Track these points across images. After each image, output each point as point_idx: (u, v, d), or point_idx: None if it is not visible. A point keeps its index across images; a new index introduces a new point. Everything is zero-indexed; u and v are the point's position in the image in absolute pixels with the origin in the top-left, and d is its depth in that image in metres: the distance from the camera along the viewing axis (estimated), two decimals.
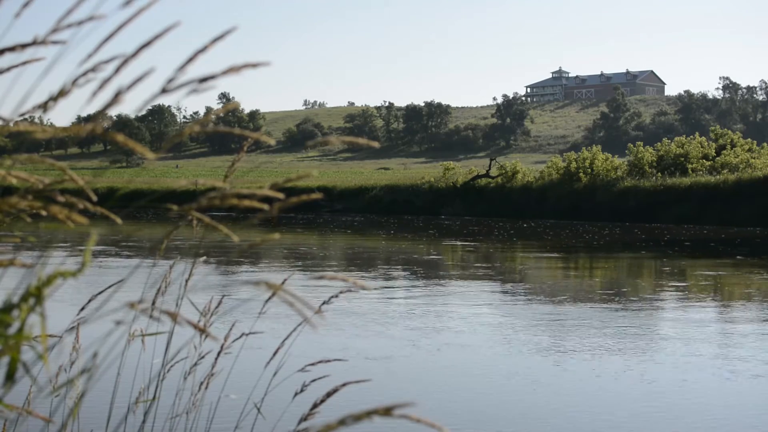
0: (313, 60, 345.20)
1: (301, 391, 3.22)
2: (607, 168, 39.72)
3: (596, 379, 7.98)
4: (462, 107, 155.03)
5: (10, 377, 1.11)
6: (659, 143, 41.87)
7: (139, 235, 28.27)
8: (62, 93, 1.21)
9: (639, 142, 42.26)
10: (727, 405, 7.17)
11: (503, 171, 42.67)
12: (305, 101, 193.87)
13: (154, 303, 3.11)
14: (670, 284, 15.73)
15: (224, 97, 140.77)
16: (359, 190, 45.70)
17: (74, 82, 1.20)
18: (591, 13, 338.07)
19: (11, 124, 1.28)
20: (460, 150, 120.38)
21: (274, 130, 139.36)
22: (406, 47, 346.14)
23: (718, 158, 39.13)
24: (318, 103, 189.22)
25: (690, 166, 38.75)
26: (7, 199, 1.20)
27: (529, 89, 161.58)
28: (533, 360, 8.80)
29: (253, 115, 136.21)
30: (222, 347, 3.33)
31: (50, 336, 2.69)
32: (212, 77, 1.17)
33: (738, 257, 21.06)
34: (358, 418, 1.08)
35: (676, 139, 41.83)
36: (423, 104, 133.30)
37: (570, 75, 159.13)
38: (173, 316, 1.24)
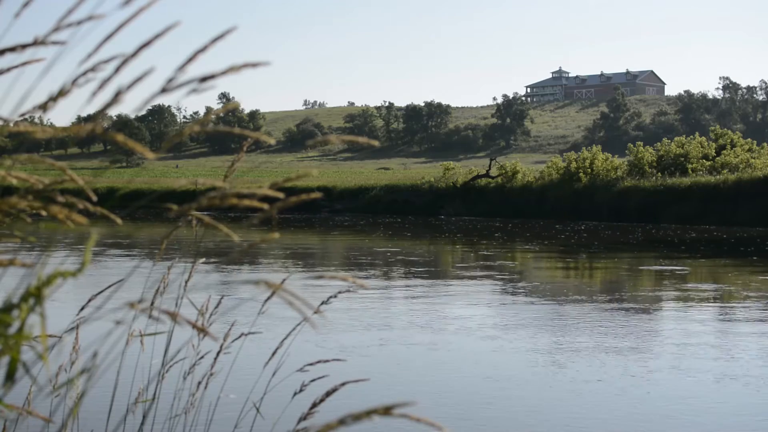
0: (313, 60, 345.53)
1: (300, 390, 3.22)
2: (607, 168, 39.71)
3: (595, 380, 7.98)
4: (462, 107, 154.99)
5: (10, 377, 1.11)
6: (659, 143, 41.85)
7: (139, 235, 28.27)
8: (62, 93, 1.21)
9: (639, 142, 42.25)
10: (728, 405, 7.17)
11: (503, 171, 42.66)
12: (305, 101, 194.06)
13: (153, 303, 3.11)
14: (670, 284, 15.73)
15: (224, 97, 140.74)
16: (359, 190, 45.67)
17: (74, 82, 1.21)
18: (591, 13, 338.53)
19: (11, 124, 1.28)
20: (460, 150, 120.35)
21: (274, 130, 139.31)
22: (406, 47, 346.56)
23: (718, 158, 39.11)
24: (318, 103, 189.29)
25: (690, 166, 38.73)
26: (7, 199, 1.20)
27: (529, 89, 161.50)
28: (533, 360, 8.80)
29: (253, 115, 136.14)
30: (221, 347, 3.33)
31: (50, 336, 2.69)
32: (212, 77, 1.17)
33: (738, 257, 21.06)
34: (357, 417, 1.08)
35: (676, 139, 41.81)
36: (423, 104, 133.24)
37: (570, 75, 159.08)
38: (173, 316, 1.24)
